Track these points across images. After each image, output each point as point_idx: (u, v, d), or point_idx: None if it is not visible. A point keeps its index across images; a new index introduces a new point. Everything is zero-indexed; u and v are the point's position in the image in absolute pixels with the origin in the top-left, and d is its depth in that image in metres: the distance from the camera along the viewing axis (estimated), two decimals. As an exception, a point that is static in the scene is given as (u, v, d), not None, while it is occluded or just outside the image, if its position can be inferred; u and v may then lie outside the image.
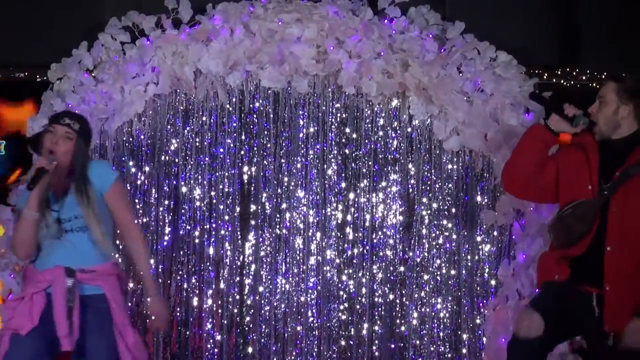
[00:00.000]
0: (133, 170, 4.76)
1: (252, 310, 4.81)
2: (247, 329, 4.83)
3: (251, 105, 4.75)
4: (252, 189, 4.82)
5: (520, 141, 3.57)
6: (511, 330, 4.08)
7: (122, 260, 4.38)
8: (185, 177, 4.80)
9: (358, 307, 4.78)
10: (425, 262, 4.74)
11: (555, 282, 3.37)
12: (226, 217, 4.80)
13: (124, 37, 4.50)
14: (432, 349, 4.72)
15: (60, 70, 4.47)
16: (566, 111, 3.43)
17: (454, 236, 4.70)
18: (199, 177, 4.80)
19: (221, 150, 4.79)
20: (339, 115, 4.76)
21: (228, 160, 4.79)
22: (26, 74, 4.88)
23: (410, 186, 4.75)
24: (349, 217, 4.80)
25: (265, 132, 4.79)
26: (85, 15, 4.77)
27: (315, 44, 4.42)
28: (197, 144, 4.78)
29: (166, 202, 4.79)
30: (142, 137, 4.75)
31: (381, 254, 4.78)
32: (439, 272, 4.73)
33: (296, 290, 4.80)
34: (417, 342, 4.74)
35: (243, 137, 4.80)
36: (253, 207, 4.82)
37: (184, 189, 4.80)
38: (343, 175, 4.80)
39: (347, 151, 4.79)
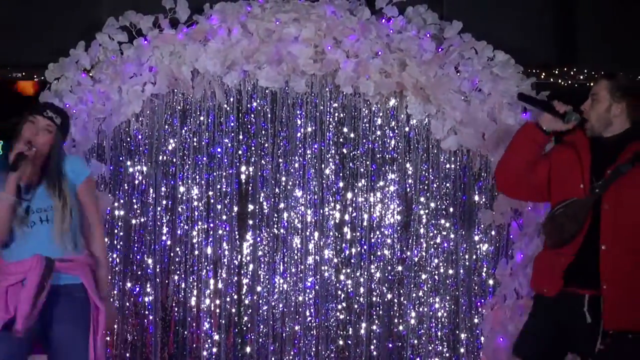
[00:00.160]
0: (130, 170, 4.75)
1: (250, 310, 4.81)
2: (245, 328, 4.82)
3: (249, 105, 4.74)
4: (250, 188, 4.82)
5: (513, 140, 3.57)
6: (509, 330, 4.12)
7: (119, 261, 4.39)
8: (182, 176, 4.79)
9: (356, 306, 4.78)
10: (423, 261, 4.74)
11: (544, 295, 3.38)
12: (224, 217, 4.80)
13: (122, 37, 4.49)
14: (430, 348, 4.72)
15: (57, 70, 4.46)
16: (557, 108, 3.42)
17: (452, 236, 4.70)
18: (197, 176, 4.79)
19: (219, 150, 4.78)
20: (336, 114, 4.76)
21: (226, 160, 4.78)
22: (24, 73, 4.88)
23: (407, 186, 4.75)
24: (346, 217, 4.80)
25: (263, 132, 4.78)
26: (83, 15, 4.76)
27: (312, 43, 4.41)
28: (195, 143, 4.77)
29: (164, 201, 4.79)
30: (139, 136, 4.74)
31: (379, 253, 4.78)
32: (436, 272, 4.72)
33: (294, 290, 4.80)
34: (415, 341, 4.74)
35: (240, 137, 4.79)
36: (251, 207, 4.82)
37: (181, 189, 4.79)
38: (341, 174, 4.80)
39: (344, 151, 4.79)
